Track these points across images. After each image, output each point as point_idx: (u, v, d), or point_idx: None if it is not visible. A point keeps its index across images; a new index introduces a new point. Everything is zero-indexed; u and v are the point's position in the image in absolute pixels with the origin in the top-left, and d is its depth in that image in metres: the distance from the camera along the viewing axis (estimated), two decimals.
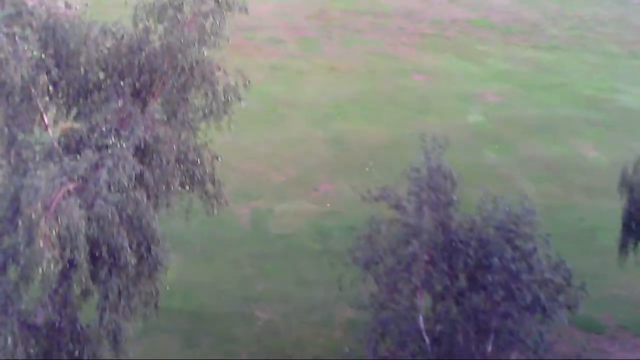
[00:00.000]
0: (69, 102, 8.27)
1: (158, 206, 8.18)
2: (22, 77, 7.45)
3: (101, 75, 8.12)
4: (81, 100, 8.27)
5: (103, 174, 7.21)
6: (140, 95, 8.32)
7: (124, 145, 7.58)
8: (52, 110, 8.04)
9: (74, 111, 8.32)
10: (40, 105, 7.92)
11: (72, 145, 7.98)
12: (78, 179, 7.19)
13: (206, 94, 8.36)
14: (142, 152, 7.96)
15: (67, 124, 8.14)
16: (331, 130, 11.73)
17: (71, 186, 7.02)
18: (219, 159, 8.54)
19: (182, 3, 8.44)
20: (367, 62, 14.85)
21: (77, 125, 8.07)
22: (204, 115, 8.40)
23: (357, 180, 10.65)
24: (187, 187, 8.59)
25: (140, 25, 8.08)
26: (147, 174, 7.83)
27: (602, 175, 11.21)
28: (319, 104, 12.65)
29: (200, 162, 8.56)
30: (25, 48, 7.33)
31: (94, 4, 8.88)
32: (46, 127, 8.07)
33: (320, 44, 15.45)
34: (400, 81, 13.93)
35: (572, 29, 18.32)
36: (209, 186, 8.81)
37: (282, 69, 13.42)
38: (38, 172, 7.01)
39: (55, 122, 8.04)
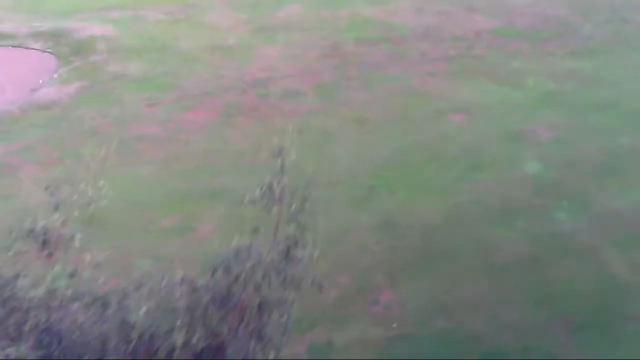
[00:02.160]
0: None
1: None
2: None
3: None
4: None
5: None
6: None
7: None
8: None
9: None
10: None
11: None
12: None
13: None
14: None
15: None
16: (377, 212, 10.32)
17: None
18: None
19: None
20: (397, 106, 13.42)
21: None
22: None
23: (421, 280, 9.28)
24: None
25: None
26: None
27: None
28: (356, 174, 11.25)
29: None
30: None
31: None
32: None
33: (341, 90, 14.03)
34: (438, 127, 12.52)
35: (607, 22, 16.79)
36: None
37: (307, 131, 12.03)
38: None
39: None
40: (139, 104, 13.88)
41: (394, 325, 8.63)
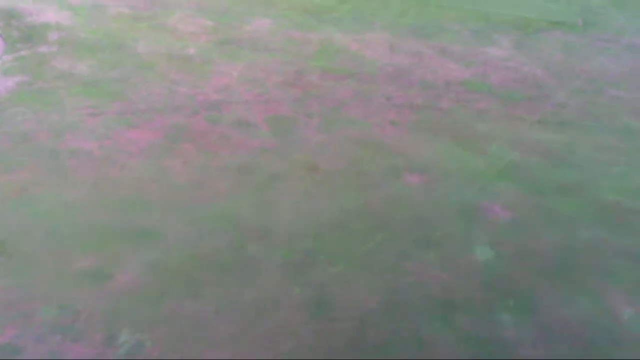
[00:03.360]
0: None
1: None
2: None
3: None
4: None
5: None
6: None
7: None
8: None
9: None
10: None
11: None
12: None
13: None
14: None
15: None
16: (312, 284, 9.53)
17: None
18: None
19: None
20: (353, 156, 12.64)
21: None
22: None
23: None
24: None
25: None
26: None
27: None
28: (297, 233, 10.46)
29: None
30: None
31: None
32: None
33: (298, 127, 13.20)
34: (391, 187, 11.76)
35: (581, 92, 16.18)
36: None
37: (252, 172, 11.21)
38: None
39: None
40: (80, 111, 12.95)
41: None
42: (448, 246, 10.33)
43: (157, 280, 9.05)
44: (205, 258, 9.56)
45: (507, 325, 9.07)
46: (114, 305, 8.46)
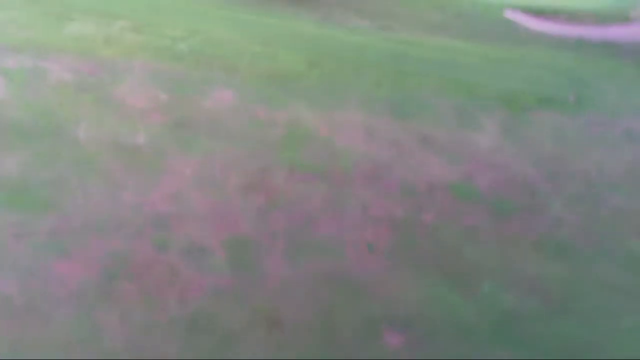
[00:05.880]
0: None
1: None
2: None
3: None
4: None
5: None
6: None
7: None
8: None
9: None
10: None
11: None
12: None
13: None
14: None
15: None
16: None
17: None
18: None
19: None
20: (322, 302, 10.77)
21: None
22: None
23: None
24: None
25: None
26: None
27: None
28: None
29: None
30: None
31: None
32: None
33: (260, 255, 11.26)
34: (368, 353, 9.84)
35: (579, 200, 14.41)
36: None
37: (205, 330, 9.26)
38: None
39: None
40: (3, 230, 10.82)
41: None
42: None
43: None
44: None
45: None
46: None
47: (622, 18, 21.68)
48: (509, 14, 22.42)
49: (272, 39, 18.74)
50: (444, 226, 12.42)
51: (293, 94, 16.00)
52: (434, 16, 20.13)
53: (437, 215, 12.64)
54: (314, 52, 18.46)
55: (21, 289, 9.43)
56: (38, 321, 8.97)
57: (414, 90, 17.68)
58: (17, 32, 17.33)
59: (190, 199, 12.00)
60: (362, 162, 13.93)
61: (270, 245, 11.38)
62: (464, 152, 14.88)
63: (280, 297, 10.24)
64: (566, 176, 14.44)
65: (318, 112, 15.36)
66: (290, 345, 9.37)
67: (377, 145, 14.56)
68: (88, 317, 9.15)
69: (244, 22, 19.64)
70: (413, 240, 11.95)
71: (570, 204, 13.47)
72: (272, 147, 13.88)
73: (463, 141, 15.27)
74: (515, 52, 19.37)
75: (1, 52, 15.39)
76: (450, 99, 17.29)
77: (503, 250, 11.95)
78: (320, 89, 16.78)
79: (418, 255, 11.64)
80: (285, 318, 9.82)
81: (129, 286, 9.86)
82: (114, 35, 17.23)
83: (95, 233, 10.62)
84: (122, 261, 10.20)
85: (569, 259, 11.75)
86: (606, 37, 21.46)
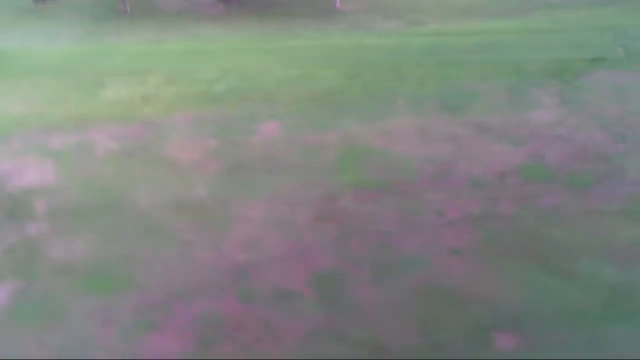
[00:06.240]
0: None
1: None
2: None
3: None
4: None
5: None
6: None
7: None
8: None
9: None
10: None
11: None
12: None
13: None
14: None
15: None
16: None
17: None
18: None
19: None
20: (420, 320, 10.45)
21: None
22: None
23: None
24: None
25: None
26: None
27: None
28: None
29: None
30: None
31: None
32: None
33: (347, 286, 11.25)
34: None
35: None
36: None
37: None
38: None
39: None
40: (88, 321, 10.69)
41: None
42: None
43: None
44: None
45: None
46: None
47: None
48: None
49: (305, 60, 18.45)
50: (523, 213, 12.00)
51: (338, 111, 15.70)
52: (460, 0, 19.64)
53: (513, 203, 12.21)
54: (349, 64, 18.12)
55: None
56: None
57: (459, 80, 17.23)
58: (55, 110, 17.31)
59: (264, 243, 11.76)
60: (423, 165, 13.56)
61: (355, 274, 11.06)
62: (525, 133, 14.41)
63: (379, 323, 9.92)
64: (636, 133, 13.89)
65: (367, 124, 15.03)
66: None
67: (434, 144, 14.18)
68: None
69: (272, 50, 19.39)
70: (496, 236, 11.55)
71: None
72: (331, 169, 13.58)
73: (521, 122, 14.80)
74: (553, 19, 18.78)
75: (44, 134, 15.37)
76: (499, 81, 16.80)
77: (590, 225, 11.48)
78: (365, 100, 16.45)
79: (505, 249, 11.23)
80: (389, 342, 9.50)
81: (226, 347, 9.63)
82: (150, 91, 17.10)
83: (179, 300, 10.42)
84: (213, 323, 9.99)
85: None
86: None
